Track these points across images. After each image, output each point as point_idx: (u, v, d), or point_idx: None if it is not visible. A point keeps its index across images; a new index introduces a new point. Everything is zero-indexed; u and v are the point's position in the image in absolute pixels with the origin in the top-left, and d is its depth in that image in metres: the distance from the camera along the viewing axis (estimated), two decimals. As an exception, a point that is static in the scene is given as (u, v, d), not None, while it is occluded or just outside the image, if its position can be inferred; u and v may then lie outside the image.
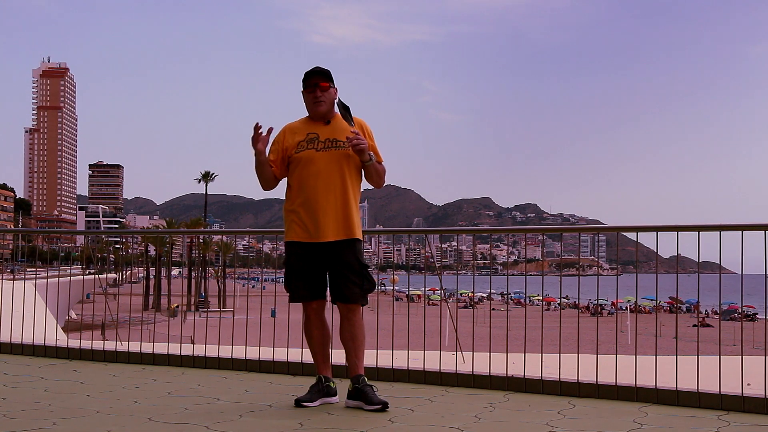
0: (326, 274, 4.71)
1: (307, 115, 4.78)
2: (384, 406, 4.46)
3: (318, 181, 4.60)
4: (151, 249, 74.41)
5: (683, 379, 4.97)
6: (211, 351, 6.75)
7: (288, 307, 4.97)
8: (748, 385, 4.80)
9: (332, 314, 4.82)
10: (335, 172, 4.62)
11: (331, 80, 4.71)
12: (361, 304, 4.70)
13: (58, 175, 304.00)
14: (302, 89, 4.72)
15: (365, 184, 4.84)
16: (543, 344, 5.71)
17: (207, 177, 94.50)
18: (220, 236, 73.14)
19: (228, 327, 7.54)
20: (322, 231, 4.59)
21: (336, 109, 4.72)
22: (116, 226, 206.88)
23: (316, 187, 4.60)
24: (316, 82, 4.66)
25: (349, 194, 4.64)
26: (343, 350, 4.75)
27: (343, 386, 4.77)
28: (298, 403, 4.60)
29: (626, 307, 49.92)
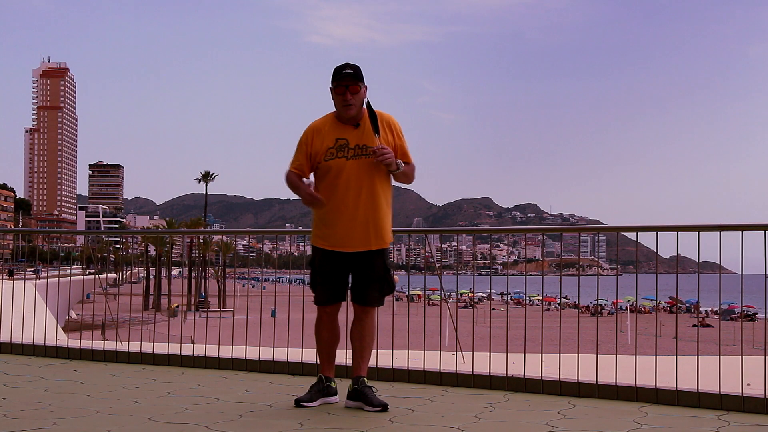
0: (349, 277, 4.65)
1: (332, 112, 4.59)
2: (384, 408, 4.45)
3: (348, 191, 4.47)
4: (151, 249, 74.34)
5: (683, 379, 4.97)
6: (211, 351, 6.75)
7: (288, 307, 4.96)
8: (748, 385, 4.80)
9: (341, 314, 4.82)
10: (365, 180, 4.48)
11: (362, 79, 4.47)
12: (376, 306, 4.69)
13: (58, 175, 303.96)
14: (331, 86, 4.48)
15: None
16: (543, 344, 5.71)
17: (207, 177, 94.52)
18: (220, 236, 73.15)
19: (228, 327, 7.53)
20: (349, 241, 4.51)
21: (365, 107, 4.53)
22: (116, 226, 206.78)
23: (346, 196, 4.47)
24: (347, 84, 4.43)
25: (380, 201, 4.53)
26: (346, 350, 4.75)
27: (343, 386, 4.77)
28: (298, 403, 4.59)
29: (626, 307, 49.91)
